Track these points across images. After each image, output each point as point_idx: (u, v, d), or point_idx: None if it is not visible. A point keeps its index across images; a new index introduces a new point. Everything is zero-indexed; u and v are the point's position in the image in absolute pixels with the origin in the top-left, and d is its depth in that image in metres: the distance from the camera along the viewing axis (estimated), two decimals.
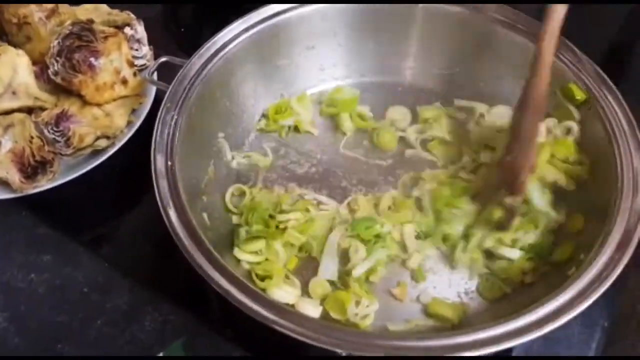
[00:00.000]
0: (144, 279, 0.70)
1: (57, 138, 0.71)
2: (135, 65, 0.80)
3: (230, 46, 0.72)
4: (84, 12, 0.81)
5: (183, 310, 0.67)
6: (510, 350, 0.61)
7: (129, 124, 0.78)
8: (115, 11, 0.84)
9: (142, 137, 0.76)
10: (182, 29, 1.03)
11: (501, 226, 0.64)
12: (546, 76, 0.58)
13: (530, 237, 0.64)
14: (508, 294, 0.63)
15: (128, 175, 0.80)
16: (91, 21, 0.74)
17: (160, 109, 0.65)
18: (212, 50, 0.70)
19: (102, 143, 0.75)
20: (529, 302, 0.51)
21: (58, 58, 0.71)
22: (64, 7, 0.78)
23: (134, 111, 0.80)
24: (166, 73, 0.75)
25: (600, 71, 0.67)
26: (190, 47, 1.01)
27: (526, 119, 0.60)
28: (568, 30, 0.70)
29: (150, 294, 0.68)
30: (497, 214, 0.63)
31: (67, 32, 0.71)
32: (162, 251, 0.72)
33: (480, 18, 0.73)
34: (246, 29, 0.73)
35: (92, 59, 0.72)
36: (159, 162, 0.60)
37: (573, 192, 0.66)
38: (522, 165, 0.61)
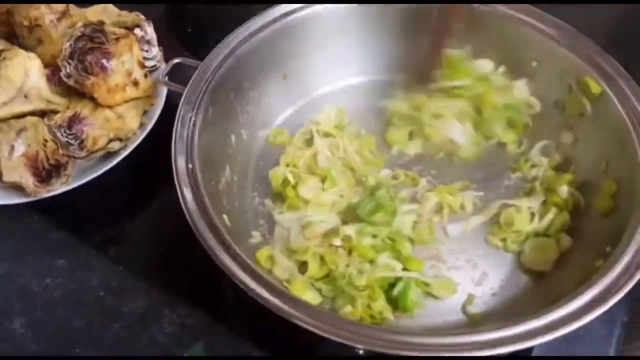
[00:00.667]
0: (158, 281, 0.69)
1: (70, 141, 0.70)
2: (146, 67, 0.79)
3: (243, 47, 0.71)
4: (93, 13, 0.80)
5: (200, 312, 0.66)
6: (530, 349, 0.61)
7: (141, 125, 0.78)
8: (124, 12, 0.83)
9: (154, 139, 0.76)
10: (189, 30, 1.02)
11: None
12: None
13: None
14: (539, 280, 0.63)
15: (140, 177, 0.80)
16: (102, 22, 0.73)
17: (178, 110, 0.64)
18: (226, 52, 0.70)
19: (115, 145, 0.74)
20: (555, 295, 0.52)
21: (70, 60, 0.71)
22: (74, 9, 0.77)
23: (145, 112, 0.79)
24: (177, 74, 0.75)
25: (617, 63, 0.67)
26: (197, 47, 1.01)
27: None
28: (584, 23, 0.71)
29: (166, 296, 0.68)
30: None
31: (79, 34, 0.71)
32: (176, 252, 0.72)
33: (497, 16, 0.73)
34: (258, 30, 0.73)
35: (104, 61, 0.72)
36: (180, 165, 0.59)
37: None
38: None
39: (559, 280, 0.61)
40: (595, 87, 0.67)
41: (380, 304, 0.60)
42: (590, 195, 0.67)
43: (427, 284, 0.63)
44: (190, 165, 0.59)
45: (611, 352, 0.62)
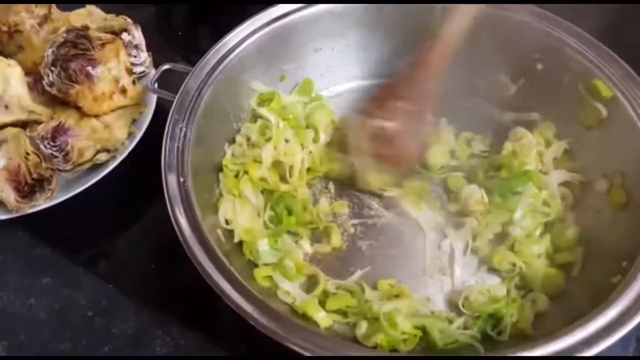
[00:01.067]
0: (150, 300, 0.66)
1: (54, 153, 0.67)
2: (134, 73, 0.76)
3: (236, 52, 0.68)
4: (78, 17, 0.77)
5: (195, 332, 0.63)
6: None
7: (130, 135, 0.74)
8: (111, 16, 0.79)
9: (144, 149, 0.73)
10: (179, 33, 0.99)
11: None
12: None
13: None
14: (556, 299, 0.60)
15: (130, 190, 0.76)
16: (86, 27, 0.70)
17: (168, 121, 0.61)
18: (217, 57, 0.67)
19: (103, 157, 0.71)
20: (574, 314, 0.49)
21: (53, 68, 0.67)
22: (56, 13, 0.74)
23: (134, 122, 0.76)
24: (165, 81, 0.71)
25: (627, 66, 0.65)
26: (188, 51, 0.97)
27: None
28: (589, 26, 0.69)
29: (158, 316, 0.65)
30: None
31: (62, 39, 0.67)
32: (168, 269, 0.68)
33: (502, 18, 0.70)
34: (251, 34, 0.70)
35: (89, 68, 0.68)
36: (170, 179, 0.56)
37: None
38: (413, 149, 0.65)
39: (576, 298, 0.58)
40: (605, 90, 0.64)
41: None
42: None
43: None
44: (181, 179, 0.56)
45: None
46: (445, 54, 0.63)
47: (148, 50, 0.81)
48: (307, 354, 0.47)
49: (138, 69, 0.78)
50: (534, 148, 0.69)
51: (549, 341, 0.47)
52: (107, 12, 0.83)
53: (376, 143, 0.64)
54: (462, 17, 0.63)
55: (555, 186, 0.66)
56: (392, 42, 0.77)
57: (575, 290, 0.59)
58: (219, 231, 0.60)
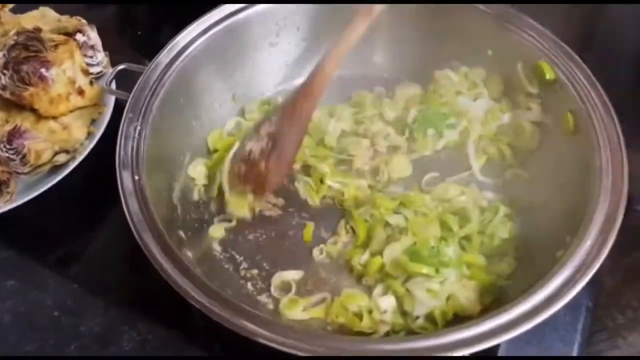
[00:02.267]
0: (117, 298, 0.66)
1: (11, 156, 0.67)
2: (91, 74, 0.76)
3: (190, 49, 0.69)
4: (29, 19, 0.76)
5: (162, 327, 0.64)
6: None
7: (89, 135, 0.74)
8: (65, 17, 0.79)
9: (105, 148, 0.73)
10: (139, 32, 0.98)
11: None
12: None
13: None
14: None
15: (92, 189, 0.76)
16: (38, 29, 0.70)
17: (122, 120, 0.62)
18: (171, 55, 0.67)
19: (62, 158, 0.71)
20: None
21: (5, 71, 0.67)
22: (6, 16, 0.73)
23: (93, 122, 0.76)
24: (125, 80, 0.71)
25: (568, 48, 0.67)
26: (149, 50, 0.97)
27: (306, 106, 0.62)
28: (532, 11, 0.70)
29: (125, 313, 0.65)
30: None
31: (13, 42, 0.67)
32: (134, 267, 0.69)
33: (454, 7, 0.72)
34: (204, 31, 0.70)
35: (42, 70, 0.68)
36: (125, 178, 0.57)
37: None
38: (273, 179, 0.63)
39: (521, 278, 0.60)
40: (549, 72, 0.66)
41: None
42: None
43: None
44: (136, 177, 0.57)
45: (577, 338, 0.62)
46: (325, 82, 0.63)
47: (106, 50, 0.81)
48: (276, 346, 0.47)
49: (95, 69, 0.77)
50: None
51: (494, 316, 0.49)
52: (67, 13, 0.82)
53: (244, 167, 0.64)
54: (345, 43, 0.62)
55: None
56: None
57: (521, 270, 0.62)
58: (181, 232, 0.61)
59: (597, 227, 0.54)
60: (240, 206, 0.66)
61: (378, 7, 0.61)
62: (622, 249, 0.80)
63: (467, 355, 0.47)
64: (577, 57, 0.66)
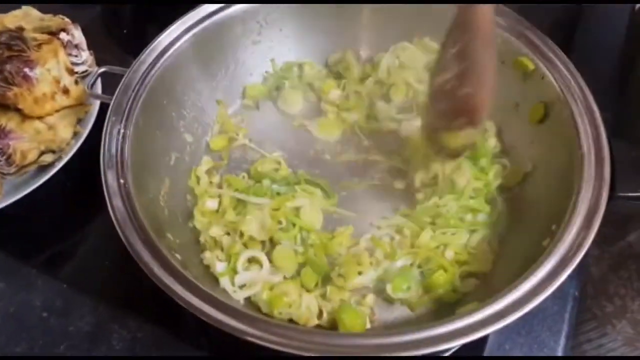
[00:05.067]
0: (106, 297, 0.66)
1: None
2: (76, 73, 0.76)
3: (172, 49, 0.68)
4: (12, 19, 0.75)
5: (152, 324, 0.64)
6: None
7: (75, 135, 0.74)
8: (48, 16, 0.78)
9: (92, 147, 0.72)
10: (125, 31, 0.98)
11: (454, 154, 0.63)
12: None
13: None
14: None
15: (79, 189, 0.76)
16: (21, 29, 0.69)
17: (105, 123, 0.61)
18: (154, 56, 0.67)
19: (48, 158, 0.70)
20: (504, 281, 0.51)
21: None
22: None
23: (79, 121, 0.75)
24: (111, 80, 0.71)
25: (549, 40, 0.67)
26: (136, 48, 0.97)
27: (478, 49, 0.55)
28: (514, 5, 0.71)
29: (114, 312, 0.65)
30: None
31: None
32: (122, 266, 0.69)
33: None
34: (186, 30, 0.70)
35: (26, 70, 0.68)
36: (110, 180, 0.56)
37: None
38: (482, 97, 0.56)
39: (505, 268, 0.61)
40: (530, 64, 0.66)
41: None
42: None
43: None
44: (122, 181, 0.57)
45: (565, 328, 0.63)
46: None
47: (91, 49, 0.80)
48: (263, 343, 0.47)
49: (80, 68, 0.77)
50: None
51: (483, 307, 0.49)
52: (52, 12, 0.82)
53: (442, 101, 0.59)
54: None
55: None
56: (332, 30, 0.78)
57: (507, 258, 0.62)
58: (169, 235, 0.60)
59: (582, 214, 0.54)
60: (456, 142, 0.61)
61: None
62: (608, 238, 0.82)
63: (453, 346, 0.47)
64: (557, 47, 0.67)
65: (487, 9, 0.54)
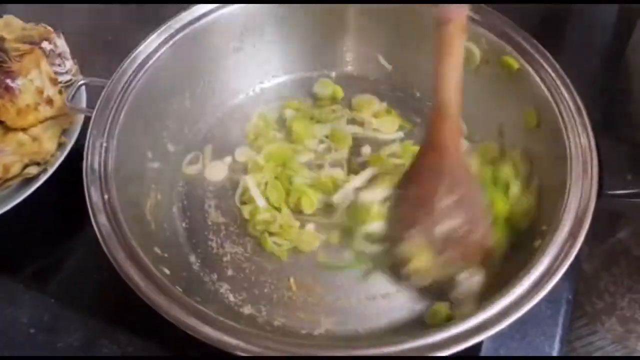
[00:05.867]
0: (96, 311, 0.65)
1: None
2: (60, 82, 0.74)
3: (152, 60, 0.66)
4: None
5: (142, 339, 0.63)
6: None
7: (60, 146, 0.72)
8: (30, 25, 0.77)
9: (77, 158, 0.71)
10: (110, 38, 0.96)
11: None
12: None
13: None
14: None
15: (66, 201, 0.74)
16: (2, 39, 0.68)
17: (87, 137, 0.60)
18: (134, 66, 0.65)
19: (33, 170, 0.69)
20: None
21: None
22: None
23: (64, 131, 0.74)
24: (98, 89, 0.69)
25: (534, 40, 0.67)
26: (121, 56, 0.95)
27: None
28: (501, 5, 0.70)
29: (103, 326, 0.63)
30: None
31: None
32: (111, 280, 0.67)
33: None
34: (166, 40, 0.68)
35: (8, 81, 0.67)
36: (94, 197, 0.56)
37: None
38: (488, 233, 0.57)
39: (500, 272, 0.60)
40: (515, 63, 0.66)
41: None
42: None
43: None
44: (106, 196, 0.56)
45: (559, 332, 0.62)
46: (456, 129, 0.56)
47: (75, 58, 0.79)
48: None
49: (64, 78, 0.76)
50: None
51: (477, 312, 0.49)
52: (36, 19, 0.80)
53: (451, 246, 0.57)
54: (454, 65, 0.51)
55: None
56: (316, 34, 0.77)
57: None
58: (157, 249, 0.59)
59: (572, 213, 0.54)
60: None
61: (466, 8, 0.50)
62: (598, 235, 0.82)
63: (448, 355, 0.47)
64: (542, 47, 0.66)
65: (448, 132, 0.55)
